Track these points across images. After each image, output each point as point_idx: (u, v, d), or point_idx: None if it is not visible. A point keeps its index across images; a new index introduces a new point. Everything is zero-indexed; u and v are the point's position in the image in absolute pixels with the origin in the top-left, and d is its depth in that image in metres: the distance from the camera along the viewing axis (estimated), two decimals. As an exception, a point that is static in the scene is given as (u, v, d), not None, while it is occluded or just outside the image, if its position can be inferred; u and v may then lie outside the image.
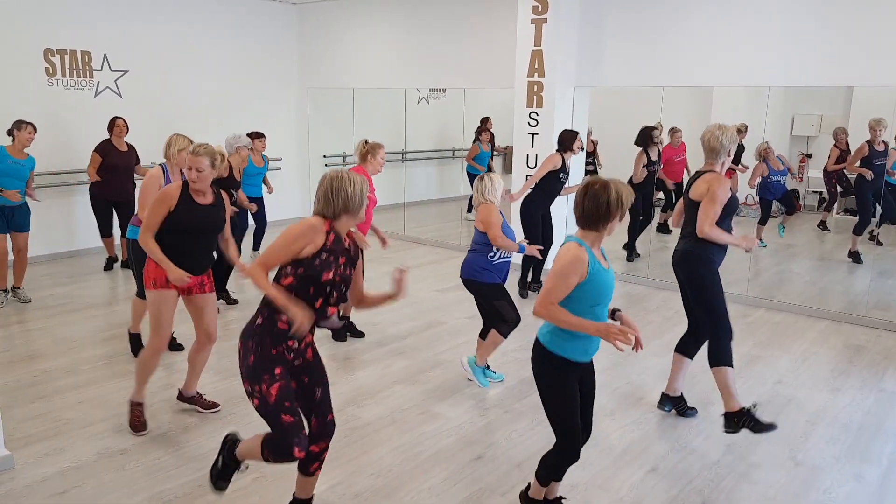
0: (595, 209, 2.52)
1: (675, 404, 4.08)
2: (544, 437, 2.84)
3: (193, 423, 3.83)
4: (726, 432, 3.66)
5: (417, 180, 10.31)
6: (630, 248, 7.73)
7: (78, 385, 4.31)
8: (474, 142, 9.42)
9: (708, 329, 3.81)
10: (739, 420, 3.61)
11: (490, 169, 9.29)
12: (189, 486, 3.23)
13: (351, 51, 9.13)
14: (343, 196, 2.52)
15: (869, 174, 7.05)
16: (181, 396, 4.00)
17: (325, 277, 2.52)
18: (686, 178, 7.97)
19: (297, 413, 2.57)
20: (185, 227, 3.51)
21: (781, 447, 3.71)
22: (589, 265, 2.52)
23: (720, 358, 3.69)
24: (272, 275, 2.60)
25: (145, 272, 3.62)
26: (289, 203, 9.39)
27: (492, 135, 9.41)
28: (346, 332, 5.17)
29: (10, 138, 5.79)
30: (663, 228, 8.58)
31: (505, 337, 4.27)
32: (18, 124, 5.76)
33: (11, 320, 5.52)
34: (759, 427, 3.56)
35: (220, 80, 8.85)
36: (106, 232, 7.00)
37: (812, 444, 3.76)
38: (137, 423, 3.71)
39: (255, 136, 6.81)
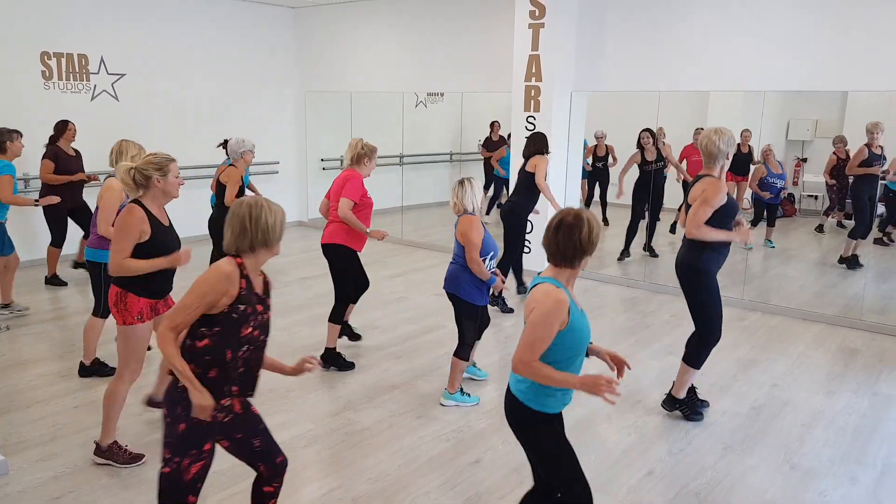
0: (571, 245, 2.26)
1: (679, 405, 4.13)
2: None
3: (190, 428, 3.82)
4: (663, 407, 4.14)
5: (415, 184, 10.31)
6: (624, 249, 7.75)
7: (73, 390, 4.29)
8: (493, 146, 9.46)
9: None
10: (680, 405, 4.08)
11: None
12: (186, 490, 3.21)
13: (349, 55, 9.14)
14: (262, 227, 2.28)
15: (878, 171, 7.06)
16: (151, 402, 3.83)
17: (243, 332, 2.30)
18: None
19: (199, 491, 2.38)
20: (160, 254, 3.22)
21: (777, 450, 3.72)
22: (570, 309, 2.26)
23: (694, 359, 3.98)
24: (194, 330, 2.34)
25: (127, 310, 3.26)
26: (286, 207, 9.38)
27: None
28: (345, 361, 4.76)
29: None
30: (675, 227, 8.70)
31: (466, 360, 4.15)
32: (10, 135, 5.46)
33: (6, 325, 5.50)
34: (691, 416, 4.06)
35: (217, 83, 8.85)
36: (59, 242, 6.49)
37: (808, 447, 3.77)
38: (130, 456, 3.45)
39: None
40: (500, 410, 4.14)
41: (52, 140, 6.37)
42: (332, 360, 4.70)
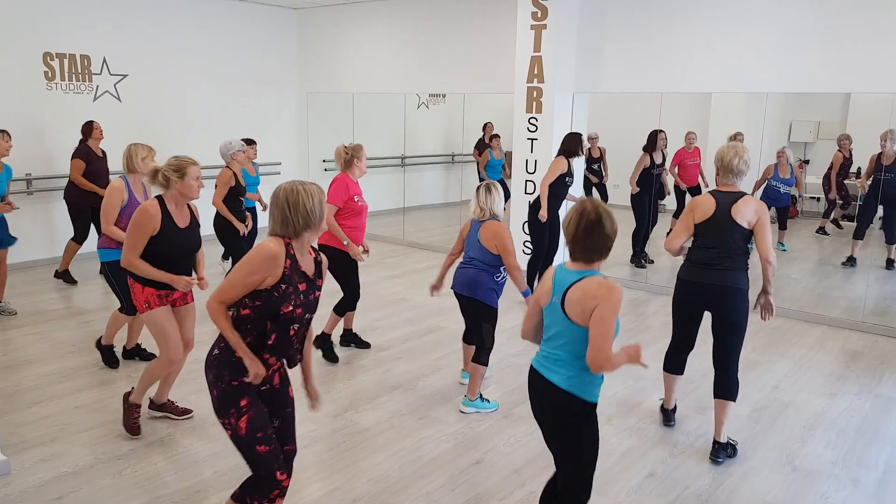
0: (602, 239, 2.36)
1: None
2: (542, 442, 2.82)
3: (190, 430, 3.83)
4: (712, 460, 3.63)
5: (417, 185, 10.31)
6: (641, 254, 7.68)
7: (74, 390, 4.30)
8: (485, 149, 9.43)
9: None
10: (729, 448, 3.69)
11: (504, 176, 9.28)
12: (185, 492, 3.22)
13: (351, 56, 9.15)
14: (302, 212, 2.35)
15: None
16: (153, 405, 3.92)
17: (283, 310, 2.36)
18: (701, 184, 8.01)
19: (272, 440, 2.45)
20: (167, 253, 3.47)
21: (779, 452, 3.72)
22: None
23: (735, 392, 3.62)
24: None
25: (134, 296, 3.56)
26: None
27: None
28: (333, 352, 4.92)
29: None
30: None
31: (486, 365, 4.06)
32: None
33: (7, 325, 5.51)
34: (719, 456, 3.61)
35: (219, 84, 8.86)
36: (80, 238, 6.58)
37: (809, 449, 3.77)
38: (133, 426, 3.71)
39: (246, 143, 6.20)
40: (501, 411, 4.15)
41: (82, 141, 6.51)
42: (323, 344, 4.87)
